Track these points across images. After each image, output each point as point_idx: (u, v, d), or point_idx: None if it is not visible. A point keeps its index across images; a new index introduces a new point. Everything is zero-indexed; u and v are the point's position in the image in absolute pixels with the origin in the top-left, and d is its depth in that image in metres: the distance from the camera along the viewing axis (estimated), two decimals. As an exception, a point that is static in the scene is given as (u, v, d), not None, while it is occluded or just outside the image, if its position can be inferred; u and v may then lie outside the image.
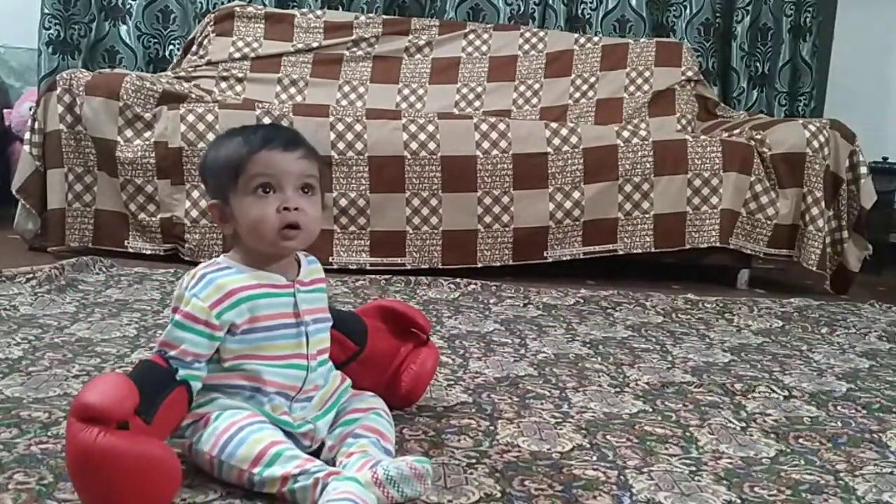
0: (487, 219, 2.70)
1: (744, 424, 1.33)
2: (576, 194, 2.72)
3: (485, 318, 2.08)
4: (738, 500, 1.03)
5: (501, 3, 3.67)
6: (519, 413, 1.32)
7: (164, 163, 2.62)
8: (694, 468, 1.13)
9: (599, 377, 1.57)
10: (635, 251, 2.78)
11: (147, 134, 2.63)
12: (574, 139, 2.73)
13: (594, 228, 2.75)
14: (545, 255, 2.75)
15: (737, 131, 2.96)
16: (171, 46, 3.54)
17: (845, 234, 2.87)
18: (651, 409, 1.39)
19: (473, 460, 1.10)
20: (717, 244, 2.78)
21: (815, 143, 2.77)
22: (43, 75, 3.34)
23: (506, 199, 2.70)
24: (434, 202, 2.68)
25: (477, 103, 3.38)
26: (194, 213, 2.62)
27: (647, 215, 2.76)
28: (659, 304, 2.37)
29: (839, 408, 1.46)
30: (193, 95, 2.88)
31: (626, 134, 2.78)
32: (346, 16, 3.49)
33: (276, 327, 1.04)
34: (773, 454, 1.20)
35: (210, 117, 2.63)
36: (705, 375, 1.63)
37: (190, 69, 3.27)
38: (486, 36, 3.50)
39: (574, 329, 2.00)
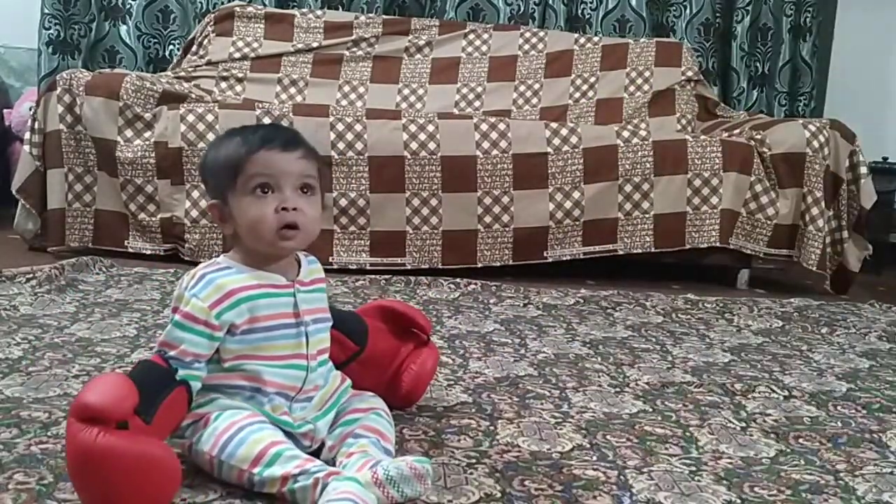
0: (487, 219, 2.70)
1: (744, 424, 1.33)
2: (576, 194, 2.72)
3: (485, 318, 2.08)
4: (738, 500, 1.03)
5: (501, 3, 3.67)
6: (519, 413, 1.32)
7: (164, 163, 2.62)
8: (694, 468, 1.13)
9: (599, 377, 1.57)
10: (635, 251, 2.78)
11: (147, 134, 2.63)
12: (574, 139, 2.73)
13: (594, 228, 2.75)
14: (545, 255, 2.75)
15: (737, 131, 2.96)
16: (171, 46, 3.54)
17: (845, 234, 2.87)
18: (651, 409, 1.39)
19: (473, 460, 1.10)
20: (717, 244, 2.78)
21: (815, 143, 2.77)
22: (43, 75, 3.34)
23: (506, 199, 2.70)
24: (434, 202, 2.68)
25: (477, 103, 3.38)
26: (194, 213, 2.62)
27: (647, 215, 2.76)
28: (659, 304, 2.37)
29: (839, 408, 1.46)
30: (193, 95, 2.88)
31: (626, 134, 2.78)
32: (346, 16, 3.49)
33: (275, 327, 1.04)
34: (773, 454, 1.20)
35: (210, 117, 2.63)
36: (705, 375, 1.63)
37: (190, 69, 3.27)
38: (486, 36, 3.50)
39: (574, 329, 2.00)
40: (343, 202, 2.65)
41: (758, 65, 3.79)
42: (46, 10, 3.36)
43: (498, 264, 2.73)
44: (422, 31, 3.48)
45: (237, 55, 3.32)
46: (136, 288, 2.17)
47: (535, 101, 3.40)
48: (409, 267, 2.69)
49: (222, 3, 3.47)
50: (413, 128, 2.67)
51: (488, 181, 2.69)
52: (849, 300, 2.70)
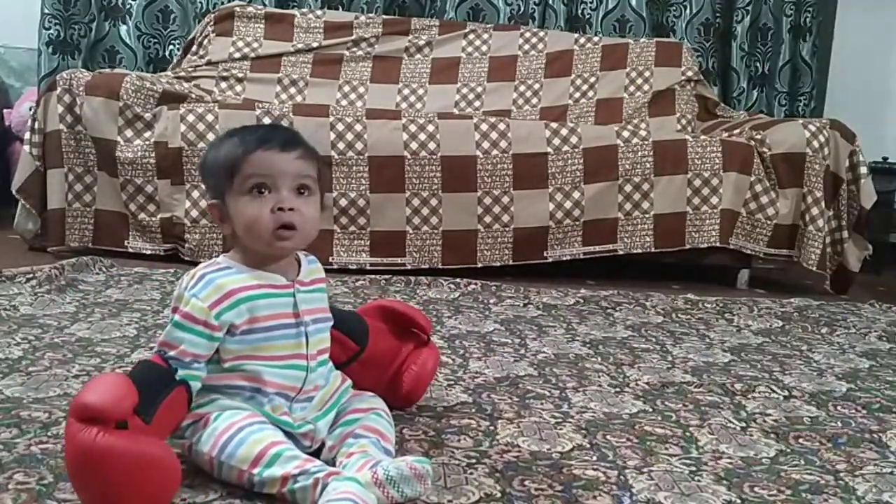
0: (487, 219, 2.70)
1: (744, 424, 1.33)
2: (576, 194, 2.72)
3: (485, 318, 2.07)
4: (738, 500, 1.03)
5: (501, 3, 3.67)
6: (519, 413, 1.32)
7: (164, 163, 2.62)
8: (694, 468, 1.13)
9: (599, 377, 1.57)
10: (635, 251, 2.78)
11: (147, 134, 2.63)
12: (574, 139, 2.73)
13: (594, 228, 2.75)
14: (545, 255, 2.75)
15: (737, 131, 2.96)
16: (171, 46, 3.54)
17: (845, 234, 2.87)
18: (651, 409, 1.39)
19: (473, 460, 1.10)
20: (717, 244, 2.78)
21: (815, 143, 2.77)
22: (43, 75, 3.34)
23: (506, 199, 2.70)
24: (434, 202, 2.68)
25: (477, 103, 3.38)
26: (194, 213, 2.62)
27: (647, 215, 2.76)
28: (659, 304, 2.37)
29: (839, 408, 1.46)
30: (193, 95, 2.88)
31: (626, 134, 2.78)
32: (346, 16, 3.49)
33: (275, 328, 1.04)
34: (773, 454, 1.20)
35: (210, 117, 2.63)
36: (705, 375, 1.63)
37: (190, 69, 3.27)
38: (486, 36, 3.50)
39: (574, 329, 2.00)
40: (343, 202, 2.65)
41: (758, 65, 3.79)
42: (46, 10, 3.36)
43: (498, 264, 2.73)
44: (422, 31, 3.48)
45: (237, 55, 3.32)
46: (136, 288, 2.17)
47: (535, 101, 3.40)
48: (409, 267, 2.69)
49: (222, 3, 3.47)
50: (413, 128, 2.67)
51: (488, 181, 2.69)
52: (849, 300, 2.70)
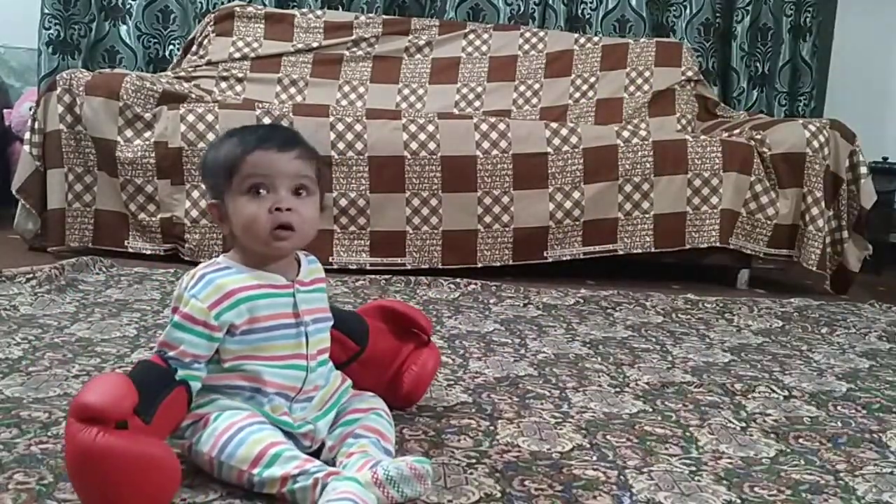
0: (487, 219, 2.70)
1: (744, 424, 1.33)
2: (576, 194, 2.72)
3: (485, 318, 2.07)
4: (738, 500, 1.03)
5: (501, 3, 3.67)
6: (519, 413, 1.32)
7: (164, 163, 2.62)
8: (694, 468, 1.13)
9: (599, 377, 1.57)
10: (635, 251, 2.78)
11: (147, 134, 2.63)
12: (574, 139, 2.73)
13: (594, 228, 2.75)
14: (545, 255, 2.75)
15: (737, 131, 2.96)
16: (171, 46, 3.54)
17: (845, 234, 2.87)
18: (651, 409, 1.39)
19: (473, 460, 1.10)
20: (717, 244, 2.78)
21: (815, 143, 2.77)
22: (43, 75, 3.34)
23: (506, 199, 2.70)
24: (434, 202, 2.68)
25: (477, 103, 3.38)
26: (194, 213, 2.62)
27: (647, 215, 2.76)
28: (659, 304, 2.37)
29: (839, 408, 1.46)
30: (193, 95, 2.88)
31: (626, 134, 2.78)
32: (346, 16, 3.49)
33: (275, 328, 1.04)
34: (773, 454, 1.20)
35: (210, 117, 2.63)
36: (705, 375, 1.63)
37: (190, 69, 3.27)
38: (486, 36, 3.50)
39: (574, 329, 2.00)
40: (343, 202, 2.65)
41: (758, 65, 3.79)
42: (46, 10, 3.36)
43: (498, 264, 2.73)
44: (422, 31, 3.48)
45: (237, 55, 3.32)
46: (136, 288, 2.17)
47: (535, 101, 3.40)
48: (409, 267, 2.69)
49: (222, 3, 3.47)
50: (413, 128, 2.67)
51: (488, 181, 2.69)
52: (849, 300, 2.70)
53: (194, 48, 3.36)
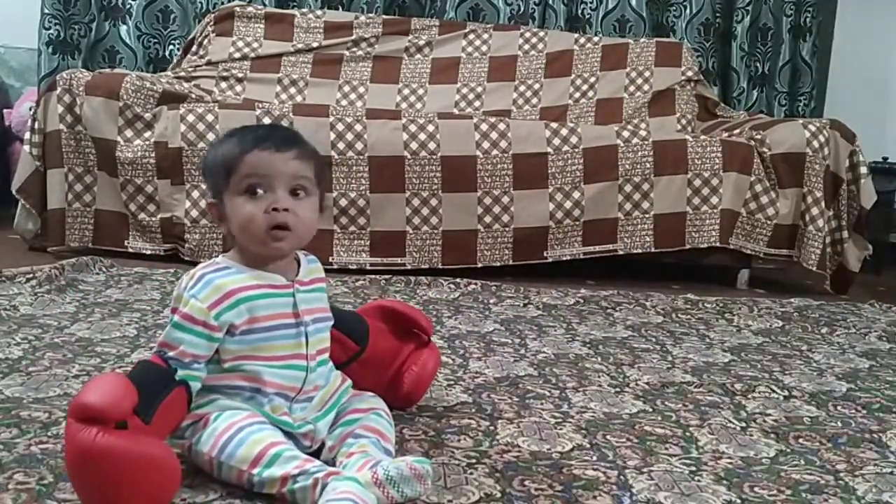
0: (487, 219, 2.70)
1: (744, 424, 1.33)
2: (576, 194, 2.72)
3: (485, 318, 2.07)
4: (738, 500, 1.03)
5: (501, 3, 3.67)
6: (519, 413, 1.32)
7: (164, 163, 2.62)
8: (694, 468, 1.13)
9: (599, 377, 1.57)
10: (635, 251, 2.78)
11: (147, 134, 2.63)
12: (574, 139, 2.73)
13: (594, 228, 2.75)
14: (545, 255, 2.75)
15: (737, 131, 2.96)
16: (171, 46, 3.54)
17: (845, 234, 2.87)
18: (651, 409, 1.39)
19: (473, 460, 1.10)
20: (717, 244, 2.78)
21: (815, 143, 2.77)
22: (43, 75, 3.34)
23: (506, 199, 2.70)
24: (434, 202, 2.68)
25: (477, 103, 3.38)
26: (194, 213, 2.62)
27: (647, 215, 2.76)
28: (659, 304, 2.37)
29: (839, 408, 1.46)
30: (193, 95, 2.88)
31: (626, 134, 2.78)
32: (346, 16, 3.49)
33: (275, 328, 1.04)
34: (773, 454, 1.20)
35: (210, 117, 2.63)
36: (705, 375, 1.63)
37: (190, 69, 3.27)
38: (486, 36, 3.50)
39: (574, 329, 2.00)
40: (343, 202, 2.65)
41: (758, 65, 3.79)
42: (46, 10, 3.36)
43: (498, 264, 2.73)
44: (422, 31, 3.48)
45: (237, 55, 3.32)
46: (136, 288, 2.17)
47: (535, 101, 3.40)
48: (409, 267, 2.69)
49: (222, 3, 3.47)
50: (413, 128, 2.67)
51: (488, 181, 2.69)
52: (849, 300, 2.70)
53: (194, 48, 3.36)
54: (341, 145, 2.64)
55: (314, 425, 1.05)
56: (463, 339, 1.82)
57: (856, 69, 3.92)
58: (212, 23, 3.36)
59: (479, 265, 2.72)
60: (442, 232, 2.69)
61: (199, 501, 0.94)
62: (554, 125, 2.77)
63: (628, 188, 2.74)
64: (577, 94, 3.40)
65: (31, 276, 2.08)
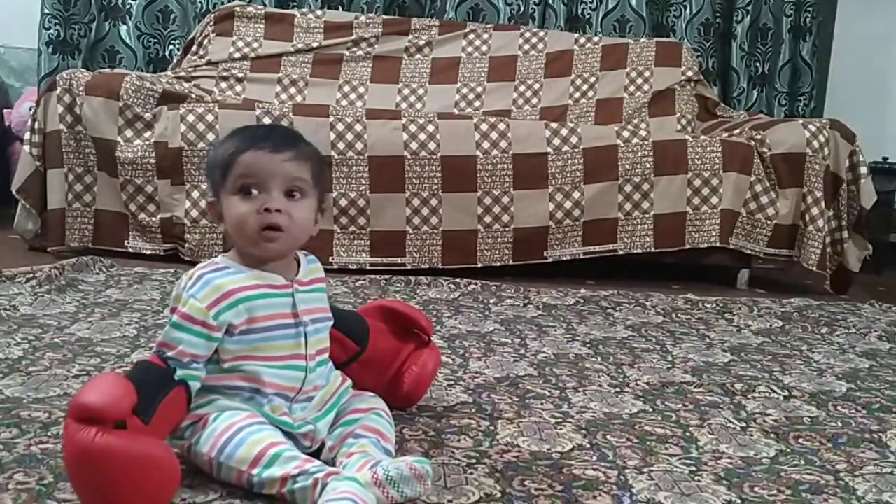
0: (487, 219, 2.70)
1: (744, 424, 1.33)
2: (576, 194, 2.72)
3: (485, 318, 2.07)
4: (738, 500, 1.03)
5: (501, 3, 3.67)
6: (519, 413, 1.32)
7: (164, 163, 2.62)
8: (694, 468, 1.13)
9: (599, 377, 1.57)
10: (635, 251, 2.78)
11: (147, 134, 2.63)
12: (574, 139, 2.73)
13: (594, 228, 2.75)
14: (545, 255, 2.75)
15: (737, 131, 2.96)
16: (171, 46, 3.54)
17: (845, 234, 2.87)
18: (651, 409, 1.39)
19: (473, 460, 1.10)
20: (717, 244, 2.78)
21: (815, 143, 2.77)
22: (43, 75, 3.34)
23: (506, 199, 2.70)
24: (434, 202, 2.68)
25: (477, 103, 3.38)
26: (194, 213, 2.62)
27: (647, 215, 2.76)
28: (659, 304, 2.37)
29: (839, 408, 1.46)
30: (193, 95, 2.88)
31: (626, 134, 2.78)
32: (346, 16, 3.49)
33: (274, 328, 1.04)
34: (773, 454, 1.20)
35: (210, 117, 2.63)
36: (705, 375, 1.63)
37: (190, 69, 3.27)
38: (486, 36, 3.50)
39: (574, 329, 2.00)
40: (343, 202, 2.65)
41: (758, 65, 3.79)
42: (46, 10, 3.36)
43: (498, 264, 2.73)
44: (422, 31, 3.48)
45: (237, 55, 3.32)
46: (136, 288, 2.17)
47: (535, 101, 3.40)
48: (409, 267, 2.68)
49: (222, 3, 3.47)
50: (413, 128, 2.67)
51: (488, 181, 2.69)
52: (849, 300, 2.70)
53: (194, 48, 3.36)
54: (341, 145, 2.64)
55: (314, 425, 1.05)
56: (463, 339, 1.82)
57: (856, 69, 3.92)
58: (212, 23, 3.36)
59: (479, 265, 2.72)
60: (442, 232, 2.69)
61: (199, 501, 0.94)
62: (554, 125, 2.77)
63: (628, 188, 2.74)
64: (577, 94, 3.40)
65: (31, 276, 2.08)
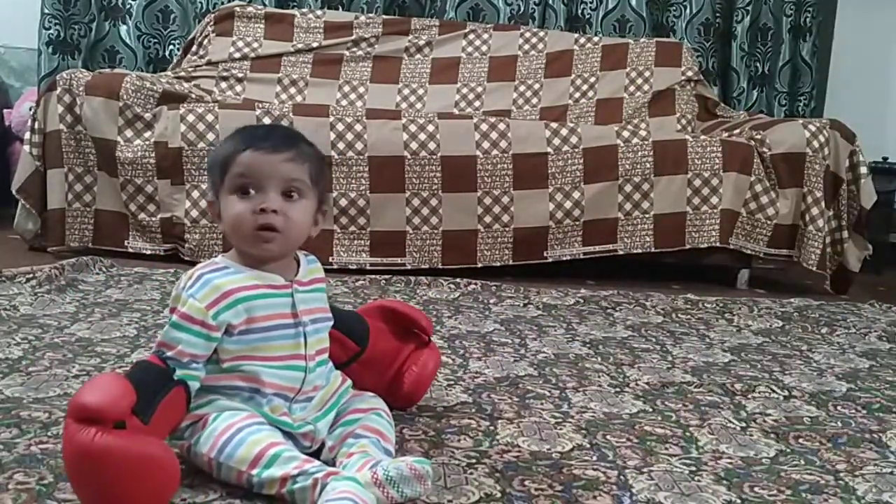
0: (487, 219, 2.70)
1: (744, 424, 1.33)
2: (576, 194, 2.72)
3: (485, 318, 2.07)
4: (738, 500, 1.03)
5: (501, 3, 3.67)
6: (519, 413, 1.32)
7: (164, 163, 2.62)
8: (694, 468, 1.13)
9: (599, 377, 1.57)
10: (635, 251, 2.78)
11: (147, 134, 2.63)
12: (574, 139, 2.73)
13: (594, 228, 2.75)
14: (545, 255, 2.75)
15: (737, 131, 2.96)
16: (171, 46, 3.54)
17: (845, 234, 2.87)
18: (651, 409, 1.39)
19: (473, 460, 1.10)
20: (717, 244, 2.78)
21: (815, 143, 2.77)
22: (43, 75, 3.34)
23: (506, 199, 2.70)
24: (434, 202, 2.68)
25: (477, 103, 3.38)
26: (194, 213, 2.62)
27: (647, 215, 2.76)
28: (659, 304, 2.37)
29: (839, 408, 1.46)
30: (193, 95, 2.88)
31: (626, 134, 2.78)
32: (346, 16, 3.49)
33: (273, 328, 1.03)
34: (773, 454, 1.20)
35: (210, 117, 2.63)
36: (705, 375, 1.63)
37: (190, 69, 3.27)
38: (486, 36, 3.50)
39: (574, 329, 2.00)
40: (343, 202, 2.65)
41: (758, 65, 3.79)
42: (46, 10, 3.36)
43: (498, 264, 2.73)
44: (422, 31, 3.48)
45: (237, 55, 3.32)
46: (136, 288, 2.17)
47: (535, 101, 3.40)
48: (409, 267, 2.68)
49: (222, 3, 3.47)
50: (413, 128, 2.67)
51: (488, 181, 2.69)
52: (849, 300, 2.70)
53: (194, 48, 3.36)
54: (341, 145, 2.64)
55: (314, 425, 1.05)
56: (463, 339, 1.82)
57: (856, 69, 3.92)
58: (212, 23, 3.36)
59: (479, 265, 2.72)
60: (442, 232, 2.69)
61: (199, 501, 0.94)
62: (554, 125, 2.77)
63: (628, 188, 2.74)
64: (577, 94, 3.40)
65: (31, 276, 2.08)
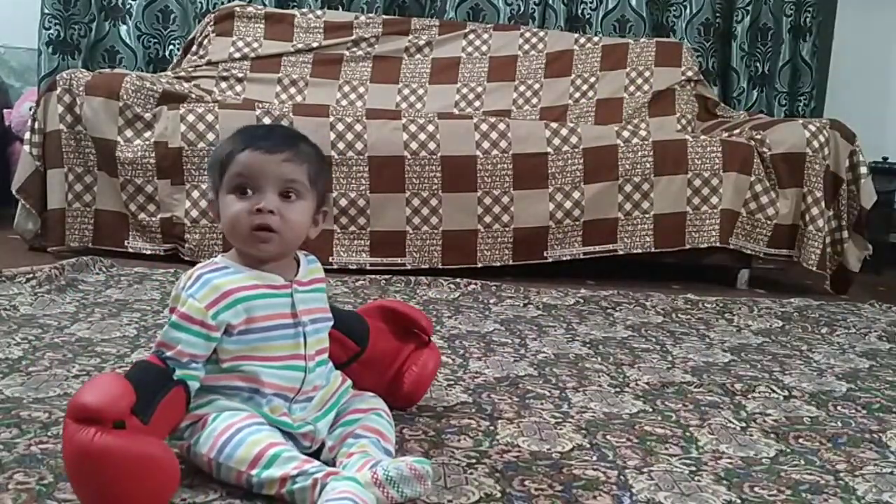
0: (487, 219, 2.70)
1: (744, 424, 1.33)
2: (576, 194, 2.72)
3: (485, 318, 2.07)
4: (738, 500, 1.03)
5: (501, 3, 3.67)
6: (519, 413, 1.32)
7: (164, 163, 2.62)
8: (694, 468, 1.13)
9: (599, 377, 1.57)
10: (635, 251, 2.78)
11: (147, 134, 2.63)
12: (574, 139, 2.73)
13: (594, 228, 2.75)
14: (545, 255, 2.75)
15: (737, 131, 2.96)
16: (171, 46, 3.54)
17: (845, 234, 2.87)
18: (651, 409, 1.38)
19: (473, 460, 1.10)
20: (717, 244, 2.78)
21: (815, 143, 2.77)
22: (43, 75, 3.34)
23: (506, 199, 2.70)
24: (434, 202, 2.68)
25: (477, 103, 3.38)
26: (194, 213, 2.62)
27: (647, 215, 2.76)
28: (659, 304, 2.37)
29: (839, 408, 1.46)
30: (193, 95, 2.88)
31: (626, 134, 2.78)
32: (346, 16, 3.49)
33: (273, 328, 1.03)
34: (773, 454, 1.20)
35: (210, 117, 2.63)
36: (705, 375, 1.63)
37: (190, 69, 3.27)
38: (486, 36, 3.50)
39: (574, 329, 2.00)
40: (343, 202, 2.65)
41: (758, 65, 3.79)
42: (46, 10, 3.36)
43: (498, 264, 2.73)
44: (422, 31, 3.48)
45: (237, 55, 3.32)
46: (136, 288, 2.17)
47: (535, 101, 3.40)
48: (409, 267, 2.68)
49: (222, 3, 3.47)
50: (413, 128, 2.67)
51: (488, 181, 2.69)
52: (849, 300, 2.70)
53: (194, 48, 3.36)
54: (341, 145, 2.64)
55: (314, 425, 1.05)
56: (463, 339, 1.82)
57: (856, 69, 3.92)
58: (212, 23, 3.36)
59: (479, 265, 2.72)
60: (442, 232, 2.69)
61: (199, 501, 0.94)
62: (554, 125, 2.77)
63: (628, 188, 2.74)
64: (577, 94, 3.40)
65: (31, 276, 2.08)
